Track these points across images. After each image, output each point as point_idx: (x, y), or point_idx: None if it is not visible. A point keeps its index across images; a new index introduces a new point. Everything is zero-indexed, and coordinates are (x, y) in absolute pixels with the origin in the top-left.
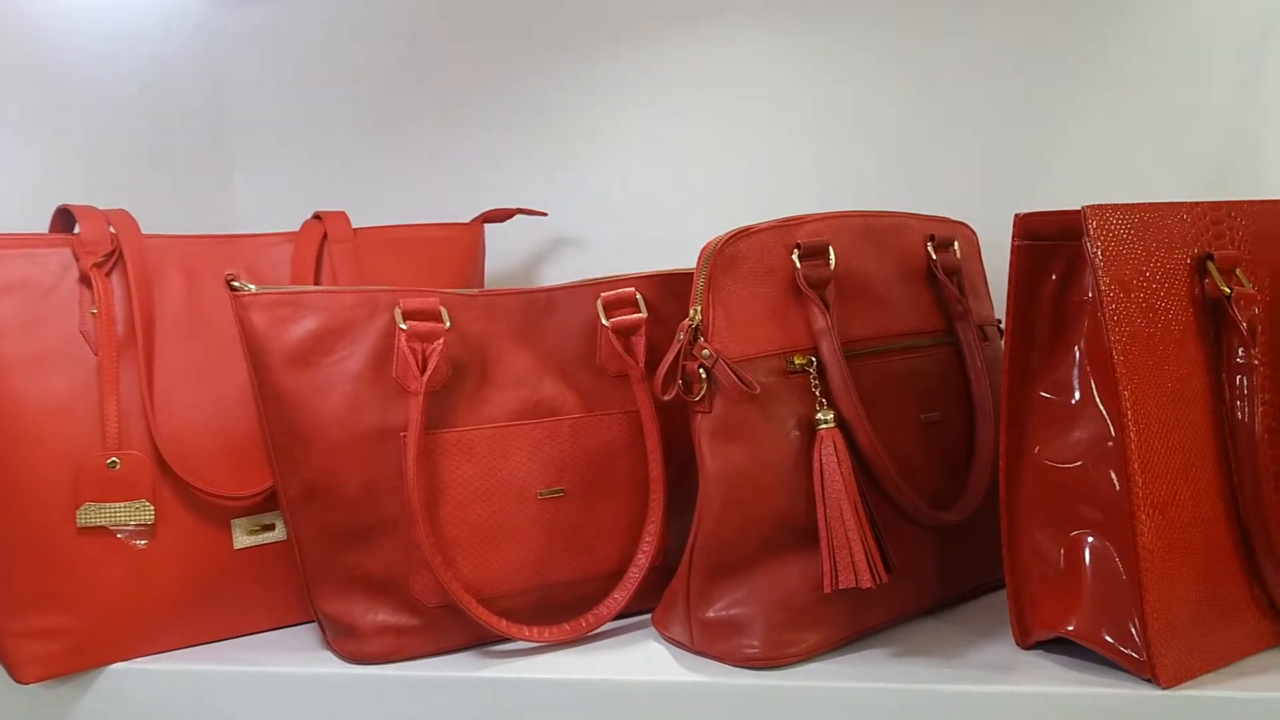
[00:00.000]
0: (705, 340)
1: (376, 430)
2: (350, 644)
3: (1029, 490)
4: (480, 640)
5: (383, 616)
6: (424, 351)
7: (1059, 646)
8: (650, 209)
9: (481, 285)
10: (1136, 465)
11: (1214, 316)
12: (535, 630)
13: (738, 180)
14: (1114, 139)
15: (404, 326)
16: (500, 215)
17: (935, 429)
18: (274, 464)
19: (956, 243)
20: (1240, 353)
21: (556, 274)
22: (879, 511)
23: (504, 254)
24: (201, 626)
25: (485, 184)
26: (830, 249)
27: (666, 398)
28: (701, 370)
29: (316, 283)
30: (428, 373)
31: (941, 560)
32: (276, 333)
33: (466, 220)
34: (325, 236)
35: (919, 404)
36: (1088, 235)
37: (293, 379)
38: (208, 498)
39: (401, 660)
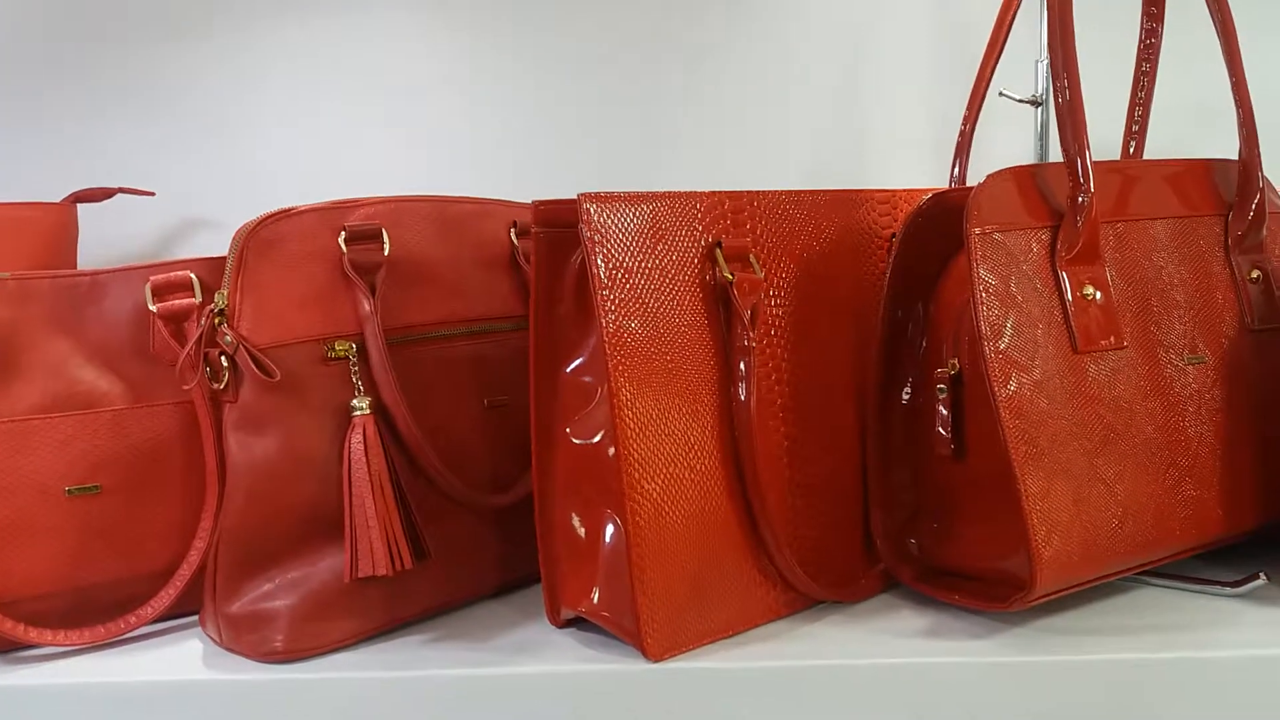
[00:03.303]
0: (230, 326)
1: None
2: None
3: (560, 469)
4: (8, 647)
5: None
6: None
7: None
8: (298, 192)
9: (74, 269)
10: (630, 445)
11: (724, 302)
12: (62, 634)
13: (387, 164)
14: (725, 131)
15: None
16: (97, 195)
17: (500, 413)
18: None
19: None
20: (742, 337)
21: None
22: (425, 498)
23: (130, 237)
24: None
25: (110, 165)
26: (384, 233)
27: (186, 387)
28: (223, 358)
29: None
30: None
31: (504, 543)
32: None
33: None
34: None
35: (484, 389)
36: (583, 222)
37: None
38: None
39: None
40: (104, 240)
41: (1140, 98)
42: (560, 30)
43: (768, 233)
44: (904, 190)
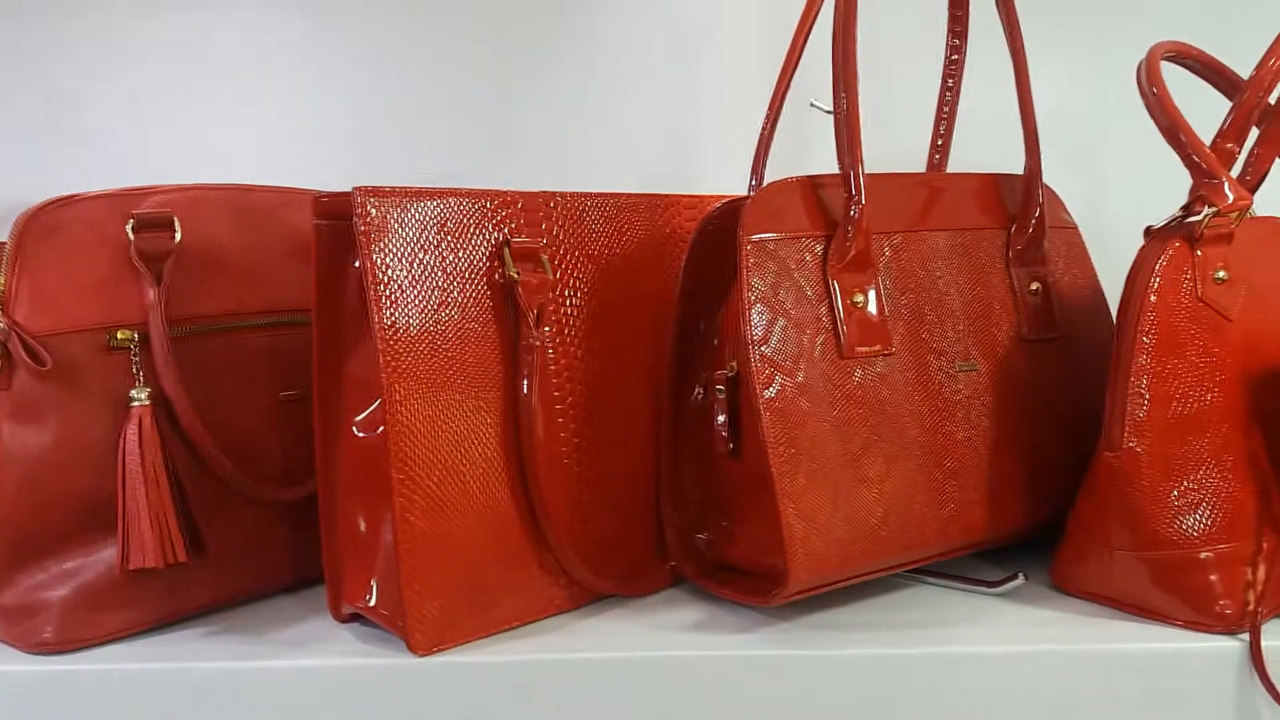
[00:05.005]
0: (4, 312)
1: None
2: None
3: (345, 465)
4: None
5: None
6: None
7: None
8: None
9: None
10: (402, 442)
11: (511, 300)
12: None
13: (229, 155)
14: (565, 132)
15: None
16: None
17: (295, 406)
18: None
19: None
20: (526, 335)
21: None
22: (210, 491)
23: None
24: None
25: None
26: (176, 221)
27: None
28: None
29: None
30: None
31: (298, 538)
32: None
33: None
34: None
35: (279, 381)
36: (358, 217)
37: None
38: None
39: None
40: None
41: (945, 113)
42: (402, 27)
43: (565, 233)
44: (713, 196)
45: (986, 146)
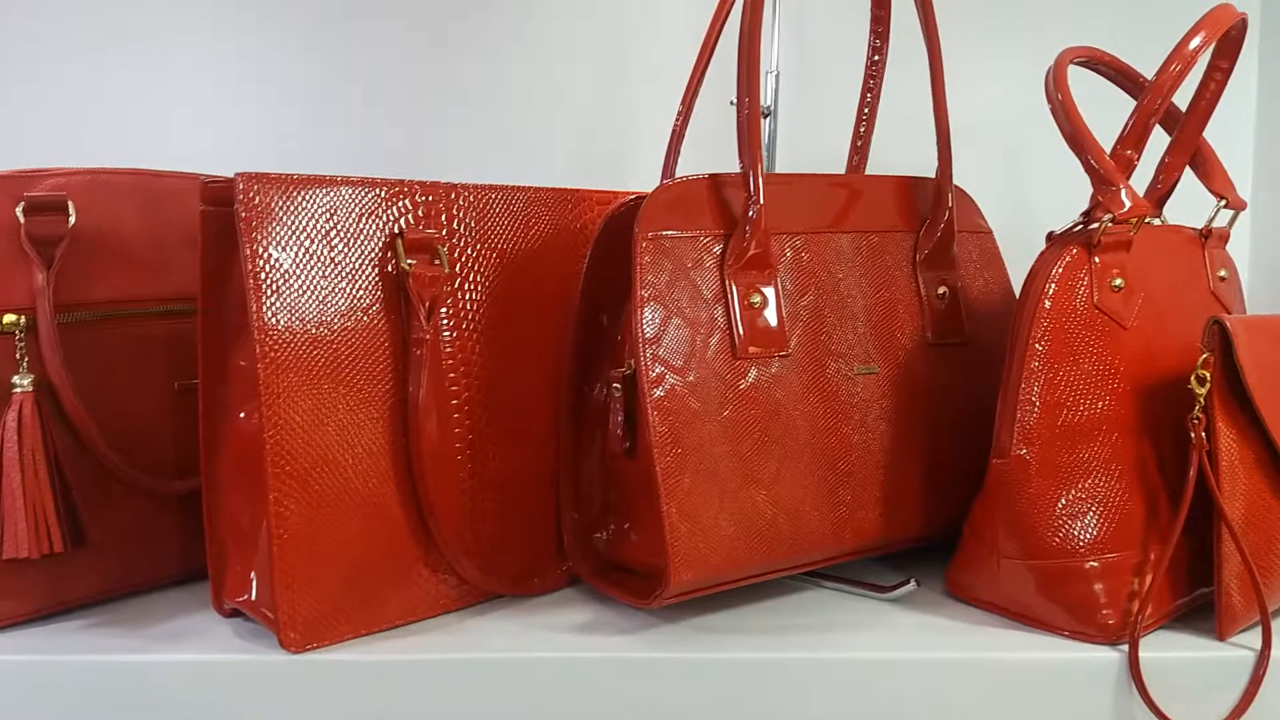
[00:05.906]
0: None
1: None
2: None
3: (230, 458)
4: None
5: None
6: None
7: None
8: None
9: None
10: (280, 435)
11: (405, 293)
12: None
13: (168, 143)
14: (495, 125)
15: None
16: None
17: (192, 396)
18: None
19: None
20: (417, 328)
21: None
22: (99, 482)
23: None
24: None
25: None
26: (70, 205)
27: None
28: None
29: None
30: None
31: (191, 530)
32: None
33: None
34: None
35: (176, 371)
36: (240, 203)
37: None
38: None
39: None
40: None
41: (865, 114)
42: (339, 20)
43: (467, 226)
44: (626, 192)
45: (913, 149)
